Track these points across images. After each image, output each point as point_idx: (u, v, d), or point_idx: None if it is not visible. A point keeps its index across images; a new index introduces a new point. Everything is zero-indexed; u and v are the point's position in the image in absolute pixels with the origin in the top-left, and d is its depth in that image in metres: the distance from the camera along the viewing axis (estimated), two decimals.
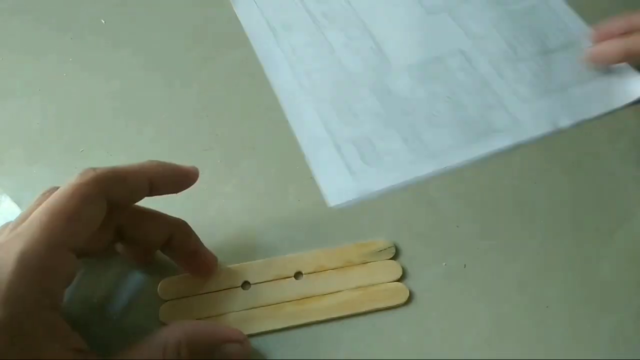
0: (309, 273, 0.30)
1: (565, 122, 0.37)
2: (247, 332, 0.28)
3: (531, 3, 0.43)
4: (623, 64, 0.39)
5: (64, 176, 0.31)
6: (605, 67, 0.39)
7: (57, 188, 0.24)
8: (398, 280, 0.30)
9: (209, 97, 0.38)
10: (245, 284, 0.29)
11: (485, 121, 0.37)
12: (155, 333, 0.24)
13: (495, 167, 0.35)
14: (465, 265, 0.31)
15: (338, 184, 0.34)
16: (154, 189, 0.27)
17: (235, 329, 0.27)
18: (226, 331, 0.26)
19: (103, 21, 0.41)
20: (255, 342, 0.28)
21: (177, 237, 0.28)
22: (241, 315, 0.28)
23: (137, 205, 0.27)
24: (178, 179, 0.28)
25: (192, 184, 0.28)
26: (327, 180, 0.34)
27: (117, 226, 0.27)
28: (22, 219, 0.24)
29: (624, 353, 0.29)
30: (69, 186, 0.24)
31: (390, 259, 0.31)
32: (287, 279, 0.30)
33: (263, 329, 0.28)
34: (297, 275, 0.30)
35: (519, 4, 0.43)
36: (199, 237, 0.29)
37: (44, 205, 0.23)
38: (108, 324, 0.28)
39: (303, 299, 0.29)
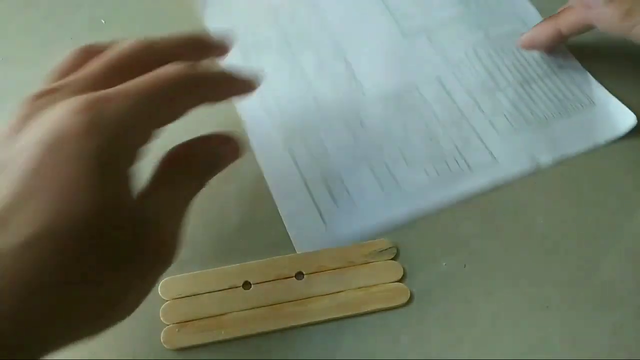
0: (310, 273, 0.30)
1: (546, 158, 0.35)
2: (248, 332, 0.28)
3: (513, 27, 0.41)
4: (607, 96, 0.37)
5: None
6: (548, 54, 0.39)
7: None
8: (399, 281, 0.30)
9: None
10: (246, 284, 0.30)
11: (462, 158, 0.35)
12: None
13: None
14: (465, 265, 0.31)
15: (307, 230, 0.32)
16: None
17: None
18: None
19: (103, 21, 0.40)
20: (256, 342, 0.28)
21: None
22: (242, 315, 0.29)
23: None
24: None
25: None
26: (295, 225, 0.32)
27: None
28: None
29: (624, 353, 0.29)
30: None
31: (391, 259, 0.31)
32: (288, 279, 0.30)
33: (264, 329, 0.28)
34: (298, 275, 0.30)
35: (500, 28, 0.41)
36: None
37: None
38: None
39: (304, 299, 0.29)
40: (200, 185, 0.25)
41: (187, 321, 0.28)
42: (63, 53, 0.37)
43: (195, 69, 0.24)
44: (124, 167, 0.21)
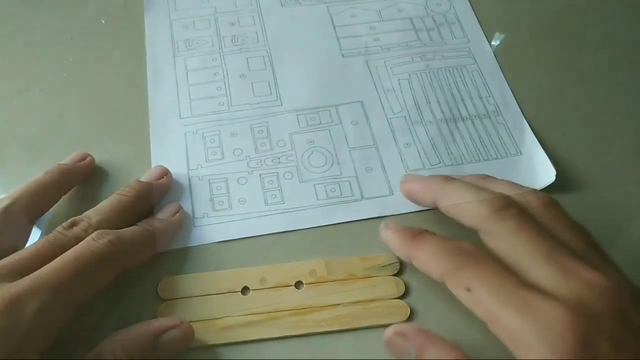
0: (309, 283, 0.29)
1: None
2: (243, 338, 0.28)
3: (460, 62, 0.39)
4: (536, 148, 0.34)
5: None
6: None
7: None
8: (400, 297, 0.29)
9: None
10: (245, 289, 0.29)
11: (357, 186, 0.33)
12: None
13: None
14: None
15: None
16: None
17: (170, 317, 0.27)
18: (159, 322, 0.26)
19: (103, 21, 0.41)
20: (251, 348, 0.28)
21: None
22: (238, 320, 0.28)
23: None
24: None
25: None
26: None
27: None
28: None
29: None
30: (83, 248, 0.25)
31: (395, 274, 0.30)
32: (287, 288, 0.29)
33: (259, 337, 0.28)
34: (298, 284, 0.29)
35: (444, 61, 0.39)
36: None
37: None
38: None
39: (302, 309, 0.29)
40: None
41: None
42: (63, 53, 0.40)
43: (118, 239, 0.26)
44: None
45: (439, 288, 0.28)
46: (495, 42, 0.40)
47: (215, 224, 0.32)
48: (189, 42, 0.40)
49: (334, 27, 0.41)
